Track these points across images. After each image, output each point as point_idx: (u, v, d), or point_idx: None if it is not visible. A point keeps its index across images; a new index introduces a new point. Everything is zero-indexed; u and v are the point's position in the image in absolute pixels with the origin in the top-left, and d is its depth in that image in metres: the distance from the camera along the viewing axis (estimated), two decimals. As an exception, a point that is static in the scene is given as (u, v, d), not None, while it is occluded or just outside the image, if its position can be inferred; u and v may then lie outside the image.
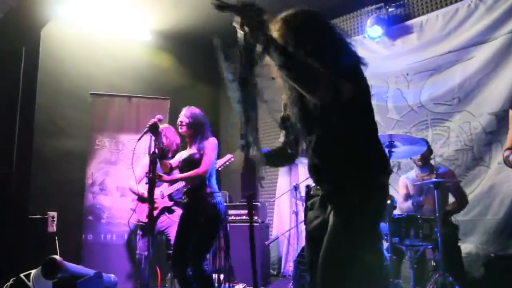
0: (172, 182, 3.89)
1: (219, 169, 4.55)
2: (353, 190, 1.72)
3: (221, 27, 2.19)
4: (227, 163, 4.55)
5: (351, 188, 1.73)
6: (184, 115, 3.55)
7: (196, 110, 3.60)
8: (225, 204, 5.60)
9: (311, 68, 1.60)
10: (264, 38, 1.54)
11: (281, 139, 2.05)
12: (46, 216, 4.85)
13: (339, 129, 1.75)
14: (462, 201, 4.04)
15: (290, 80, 1.66)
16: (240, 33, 1.52)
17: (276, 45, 1.57)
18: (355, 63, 1.77)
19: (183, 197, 3.55)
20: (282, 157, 2.08)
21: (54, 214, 4.97)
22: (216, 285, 5.29)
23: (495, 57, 4.44)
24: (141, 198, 4.24)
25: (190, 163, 3.43)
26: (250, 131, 1.61)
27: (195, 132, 3.53)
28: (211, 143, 3.50)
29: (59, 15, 4.98)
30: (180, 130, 3.58)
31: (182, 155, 3.60)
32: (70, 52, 5.51)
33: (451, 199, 4.09)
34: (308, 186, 2.05)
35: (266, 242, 5.22)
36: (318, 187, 1.93)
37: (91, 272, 3.59)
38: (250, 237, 1.62)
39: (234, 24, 1.52)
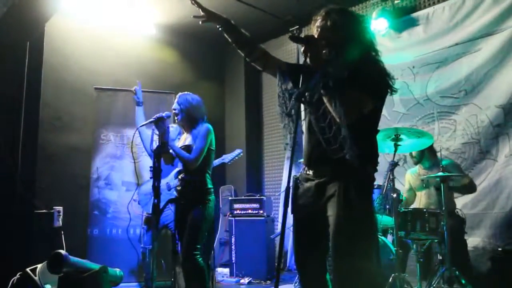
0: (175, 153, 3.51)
1: (229, 163, 4.54)
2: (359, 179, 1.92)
3: None
4: (236, 158, 4.54)
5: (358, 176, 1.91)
6: (176, 101, 3.45)
7: (188, 95, 3.47)
8: (230, 198, 5.68)
9: (349, 100, 1.85)
10: (318, 63, 1.88)
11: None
12: (52, 211, 4.88)
13: (356, 125, 1.89)
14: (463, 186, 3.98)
15: (327, 100, 1.88)
16: (303, 58, 1.90)
17: (325, 70, 1.85)
18: (384, 78, 1.97)
19: (177, 188, 3.49)
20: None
21: (60, 208, 4.98)
22: (222, 278, 5.32)
23: (503, 49, 4.37)
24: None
25: (188, 152, 3.33)
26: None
27: (189, 118, 3.42)
28: (203, 129, 3.37)
29: (63, 9, 4.96)
30: (176, 119, 3.48)
31: (179, 142, 3.50)
32: (75, 47, 5.50)
33: (456, 194, 4.06)
34: (295, 176, 2.10)
35: (272, 236, 5.21)
36: (312, 174, 2.03)
37: (96, 266, 3.60)
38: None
39: (301, 50, 1.92)
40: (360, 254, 1.86)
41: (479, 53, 4.54)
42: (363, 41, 2.00)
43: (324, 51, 1.89)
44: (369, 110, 1.91)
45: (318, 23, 2.02)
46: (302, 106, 1.95)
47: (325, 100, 1.88)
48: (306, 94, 1.86)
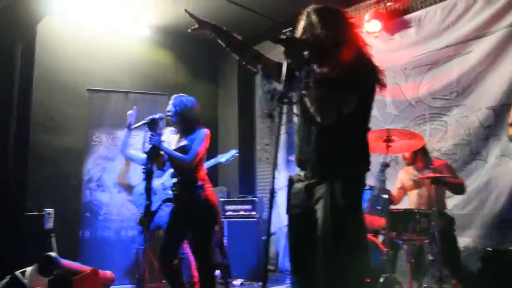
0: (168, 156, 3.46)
1: (225, 162, 4.54)
2: (347, 178, 1.91)
3: (218, 23, 2.25)
4: (232, 158, 4.55)
5: (345, 176, 1.90)
6: (171, 103, 3.44)
7: (183, 97, 3.46)
8: (222, 199, 5.67)
9: (327, 100, 1.85)
10: (302, 65, 1.84)
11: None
12: (43, 213, 4.84)
13: (342, 125, 1.89)
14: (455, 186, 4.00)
15: (308, 101, 1.89)
16: (286, 61, 1.85)
17: (307, 71, 1.84)
18: (373, 76, 1.95)
19: (173, 189, 3.47)
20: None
21: (51, 210, 4.95)
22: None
23: (493, 51, 4.40)
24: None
25: (182, 153, 3.33)
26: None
27: (184, 120, 3.41)
28: (202, 133, 3.39)
29: (55, 10, 4.95)
30: (171, 121, 3.47)
31: (172, 145, 3.48)
32: (67, 48, 5.49)
33: (448, 194, 4.08)
34: (290, 176, 2.11)
35: (264, 238, 5.21)
36: (303, 175, 2.02)
37: (87, 268, 3.58)
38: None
39: (283, 51, 1.84)
40: (347, 257, 1.85)
41: (470, 55, 4.57)
42: (347, 39, 1.96)
43: (305, 52, 1.88)
44: (352, 109, 1.88)
45: (300, 23, 2.02)
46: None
47: (305, 100, 1.88)
48: (289, 95, 1.84)
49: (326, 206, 1.88)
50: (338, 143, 1.90)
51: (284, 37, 1.83)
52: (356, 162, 1.96)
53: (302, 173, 2.05)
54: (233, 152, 4.52)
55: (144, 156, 3.26)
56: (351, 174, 1.92)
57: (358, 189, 1.98)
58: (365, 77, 1.92)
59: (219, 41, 2.24)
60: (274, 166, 1.83)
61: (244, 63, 2.22)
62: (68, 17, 5.44)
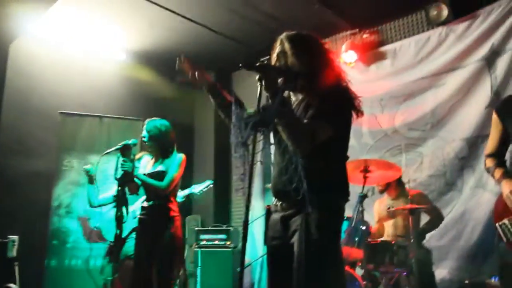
0: (141, 182, 3.37)
1: (199, 193, 4.42)
2: (324, 209, 1.83)
3: (195, 48, 2.21)
4: (205, 189, 4.44)
5: (322, 207, 1.83)
6: (145, 128, 3.38)
7: (156, 122, 3.39)
8: (196, 228, 5.53)
9: (301, 129, 1.81)
10: (275, 92, 1.78)
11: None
12: (6, 240, 4.58)
13: (312, 152, 1.83)
14: (436, 215, 3.99)
15: (281, 130, 1.83)
16: (259, 86, 1.80)
17: (281, 99, 1.78)
18: (348, 103, 1.92)
19: (141, 213, 3.36)
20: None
21: (15, 237, 4.70)
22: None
23: (466, 84, 4.52)
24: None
25: (157, 179, 3.25)
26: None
27: (159, 145, 3.34)
28: (178, 158, 3.31)
29: (29, 31, 4.85)
30: (146, 146, 3.40)
31: (146, 169, 3.40)
32: (40, 70, 5.34)
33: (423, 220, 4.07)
34: (268, 206, 2.06)
35: (239, 269, 5.07)
36: (279, 206, 1.97)
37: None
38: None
39: (257, 78, 1.80)
40: None
41: (444, 87, 4.68)
42: (320, 65, 1.94)
43: (278, 79, 1.85)
44: (328, 137, 1.83)
45: (274, 50, 2.01)
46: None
47: (279, 129, 1.84)
48: (263, 123, 1.79)
49: (301, 239, 1.81)
50: (313, 173, 1.84)
51: (257, 63, 1.80)
52: (333, 192, 1.90)
53: (278, 204, 2.00)
54: (208, 182, 4.43)
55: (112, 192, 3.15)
56: (327, 205, 1.85)
57: (335, 220, 1.91)
58: (340, 105, 1.89)
59: (211, 98, 2.18)
60: (248, 196, 1.77)
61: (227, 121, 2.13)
62: (42, 40, 5.32)
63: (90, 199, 4.22)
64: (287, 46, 1.95)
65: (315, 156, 1.83)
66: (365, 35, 5.35)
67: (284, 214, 1.94)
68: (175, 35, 5.69)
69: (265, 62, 1.87)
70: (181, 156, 3.35)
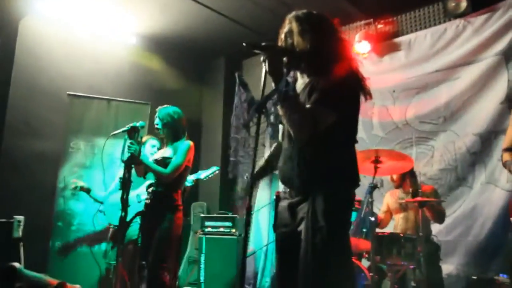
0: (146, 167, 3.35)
1: (204, 179, 4.39)
2: (334, 196, 1.79)
3: (206, 34, 2.15)
4: (211, 175, 4.41)
5: (331, 195, 1.78)
6: (157, 116, 3.40)
7: (169, 109, 3.41)
8: (202, 215, 5.50)
9: (303, 113, 1.74)
10: (280, 73, 1.73)
11: (266, 155, 2.14)
12: (12, 220, 4.58)
13: (320, 138, 1.79)
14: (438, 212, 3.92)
15: (282, 114, 1.77)
16: (264, 67, 1.74)
17: (285, 81, 1.71)
18: (355, 85, 1.85)
19: (147, 198, 3.36)
20: (268, 171, 2.15)
21: (21, 218, 4.69)
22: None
23: (482, 79, 4.43)
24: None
25: (164, 166, 3.23)
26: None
27: (171, 132, 3.36)
28: (184, 145, 3.29)
29: (39, 9, 4.79)
30: (159, 133, 3.41)
31: (156, 156, 3.42)
32: (49, 50, 5.29)
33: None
34: (277, 193, 2.00)
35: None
36: (288, 193, 1.93)
37: (54, 282, 3.36)
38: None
39: (261, 59, 1.75)
40: (329, 282, 1.74)
41: (459, 81, 4.59)
42: (328, 45, 1.87)
43: (284, 59, 1.79)
44: (332, 123, 1.76)
45: (282, 30, 1.94)
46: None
47: (280, 113, 1.77)
48: (266, 104, 1.73)
49: (308, 227, 1.77)
50: (319, 159, 1.80)
51: (263, 43, 1.74)
52: (340, 178, 1.83)
53: (287, 190, 1.96)
54: (214, 169, 4.40)
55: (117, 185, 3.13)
56: (334, 192, 1.79)
57: (343, 208, 1.85)
58: (346, 88, 1.81)
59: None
60: (251, 181, 1.72)
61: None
62: (53, 19, 5.26)
63: (97, 200, 4.26)
64: (294, 25, 1.88)
65: (321, 142, 1.78)
66: (379, 25, 5.26)
67: (291, 201, 1.90)
68: (186, 20, 5.63)
69: (271, 42, 1.79)
70: (189, 143, 3.33)
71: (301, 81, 1.97)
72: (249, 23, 5.63)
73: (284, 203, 1.94)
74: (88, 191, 4.35)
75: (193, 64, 6.82)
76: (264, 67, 1.73)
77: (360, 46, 5.18)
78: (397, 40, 5.15)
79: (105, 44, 5.80)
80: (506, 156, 2.39)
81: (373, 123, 5.08)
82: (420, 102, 4.81)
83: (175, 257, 3.37)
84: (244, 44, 1.76)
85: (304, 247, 1.77)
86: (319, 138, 1.77)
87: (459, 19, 4.67)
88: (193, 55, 6.62)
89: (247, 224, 1.68)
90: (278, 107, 1.75)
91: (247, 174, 1.78)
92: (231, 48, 6.07)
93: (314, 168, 1.81)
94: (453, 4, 4.61)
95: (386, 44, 5.20)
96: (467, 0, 4.52)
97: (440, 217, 3.88)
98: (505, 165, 2.40)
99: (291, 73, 1.86)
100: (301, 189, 1.86)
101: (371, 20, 5.29)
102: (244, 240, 1.70)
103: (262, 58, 1.74)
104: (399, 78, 5.01)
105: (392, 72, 5.09)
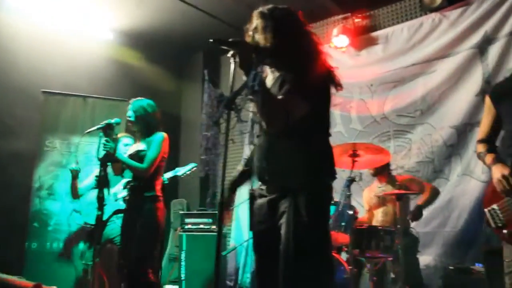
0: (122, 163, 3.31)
1: (182, 175, 4.36)
2: (311, 189, 1.80)
3: (183, 29, 2.13)
4: (189, 172, 4.37)
5: (307, 187, 1.80)
6: (130, 108, 3.31)
7: (143, 101, 3.34)
8: (182, 212, 5.45)
9: (274, 106, 1.76)
10: (248, 68, 1.74)
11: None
12: (-15, 222, 4.48)
13: (295, 132, 1.80)
14: (432, 190, 3.96)
15: (256, 105, 1.78)
16: (232, 63, 1.77)
17: (254, 75, 1.72)
18: (323, 77, 1.86)
19: (127, 194, 3.31)
20: (245, 179, 2.15)
21: (-5, 219, 4.59)
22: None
23: (457, 72, 4.48)
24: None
25: (138, 159, 3.17)
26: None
27: (144, 125, 3.28)
28: (158, 137, 3.22)
29: (11, 4, 4.67)
30: (131, 127, 3.34)
31: (129, 151, 3.34)
32: (23, 46, 5.16)
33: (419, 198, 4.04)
34: (252, 190, 2.01)
35: (223, 253, 5.02)
36: (265, 189, 1.93)
37: (29, 284, 3.29)
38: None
39: (229, 55, 1.77)
40: (309, 275, 1.75)
41: (435, 74, 4.63)
42: (293, 41, 1.87)
43: (252, 55, 1.79)
44: (305, 114, 1.78)
45: (250, 26, 1.95)
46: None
47: (253, 107, 1.79)
48: (236, 101, 1.72)
49: (289, 221, 1.78)
50: (295, 153, 1.81)
51: (230, 39, 1.75)
52: (318, 172, 1.85)
53: (263, 187, 1.95)
54: (192, 165, 4.36)
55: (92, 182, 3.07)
56: (313, 185, 1.82)
57: (323, 200, 1.87)
58: (316, 79, 1.83)
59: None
60: (223, 178, 1.73)
61: None
62: (27, 14, 5.13)
63: (72, 193, 4.13)
64: (258, 21, 1.90)
65: (296, 136, 1.79)
66: (357, 20, 5.27)
67: (271, 197, 1.89)
68: (163, 14, 5.56)
69: (237, 38, 1.80)
70: (162, 134, 3.26)
71: (271, 76, 1.99)
72: (227, 18, 5.57)
73: (261, 200, 1.94)
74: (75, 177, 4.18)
75: (171, 60, 6.73)
76: (232, 63, 1.75)
77: (338, 40, 5.18)
78: (374, 34, 5.17)
79: (81, 40, 5.68)
80: (480, 148, 2.42)
81: (351, 117, 5.10)
82: (397, 95, 4.85)
83: (158, 253, 3.32)
84: (210, 40, 1.76)
85: (285, 241, 1.77)
86: (293, 131, 1.78)
87: (435, 13, 4.71)
88: (171, 51, 6.54)
89: (220, 220, 1.76)
90: (250, 101, 1.75)
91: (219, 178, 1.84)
92: (209, 43, 6.00)
93: (290, 163, 1.81)
94: (429, -2, 4.65)
95: (363, 38, 5.22)
96: (442, -6, 4.56)
97: (435, 195, 3.94)
98: (479, 156, 2.43)
99: (259, 68, 1.85)
100: (279, 185, 1.86)
101: (349, 14, 5.30)
102: (218, 235, 1.71)
103: (229, 54, 1.75)
104: (376, 72, 5.03)
105: (369, 66, 5.11)
